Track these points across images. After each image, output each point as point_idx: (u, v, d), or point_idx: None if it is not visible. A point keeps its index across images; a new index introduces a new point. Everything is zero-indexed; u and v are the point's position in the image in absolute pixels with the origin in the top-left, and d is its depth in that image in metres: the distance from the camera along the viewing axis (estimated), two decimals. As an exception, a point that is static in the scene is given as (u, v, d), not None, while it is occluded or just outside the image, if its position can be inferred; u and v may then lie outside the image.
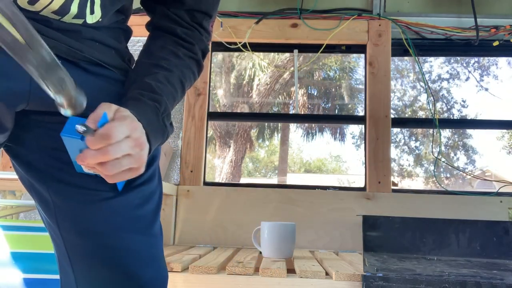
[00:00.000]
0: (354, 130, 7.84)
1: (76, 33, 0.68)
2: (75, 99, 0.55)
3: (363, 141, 2.07)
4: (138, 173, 0.62)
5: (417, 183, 7.67)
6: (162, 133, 0.67)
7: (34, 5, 0.63)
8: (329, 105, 7.84)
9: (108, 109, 0.59)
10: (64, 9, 0.65)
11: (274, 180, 8.97)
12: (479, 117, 6.72)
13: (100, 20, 0.70)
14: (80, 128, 0.55)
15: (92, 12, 0.68)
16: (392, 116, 1.99)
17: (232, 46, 2.08)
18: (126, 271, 0.66)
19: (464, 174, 7.10)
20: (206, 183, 2.03)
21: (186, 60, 0.75)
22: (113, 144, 0.56)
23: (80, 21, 0.68)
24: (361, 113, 2.19)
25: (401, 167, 7.66)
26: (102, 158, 0.56)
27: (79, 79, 0.62)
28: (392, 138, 2.51)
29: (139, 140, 0.59)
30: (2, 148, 0.71)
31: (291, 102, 7.55)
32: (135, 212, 0.68)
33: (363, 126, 2.07)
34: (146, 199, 0.70)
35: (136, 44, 1.99)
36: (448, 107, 7.03)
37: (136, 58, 0.78)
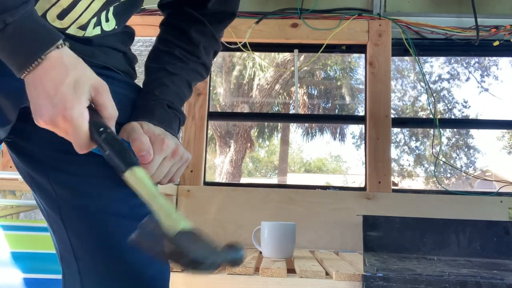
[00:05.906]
0: (354, 130, 7.85)
1: (88, 41, 0.71)
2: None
3: (363, 141, 2.07)
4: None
5: (417, 183, 7.67)
6: (175, 120, 0.74)
7: (62, 20, 0.65)
8: (329, 105, 7.84)
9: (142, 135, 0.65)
10: (89, 22, 0.67)
11: (274, 180, 8.97)
12: (480, 117, 6.72)
13: (116, 27, 0.73)
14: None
15: (107, 20, 0.71)
16: (392, 116, 1.99)
17: (232, 46, 2.07)
18: (131, 262, 0.66)
19: (464, 174, 7.10)
20: (206, 183, 2.03)
21: (191, 63, 0.80)
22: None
23: (98, 31, 0.71)
24: (361, 113, 2.19)
25: (401, 167, 7.66)
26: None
27: None
28: (392, 138, 2.51)
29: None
30: (2, 147, 0.72)
31: (291, 102, 7.55)
32: (135, 200, 0.69)
33: (363, 126, 2.07)
34: None
35: (137, 43, 1.98)
36: (450, 107, 7.03)
37: (138, 57, 0.80)
